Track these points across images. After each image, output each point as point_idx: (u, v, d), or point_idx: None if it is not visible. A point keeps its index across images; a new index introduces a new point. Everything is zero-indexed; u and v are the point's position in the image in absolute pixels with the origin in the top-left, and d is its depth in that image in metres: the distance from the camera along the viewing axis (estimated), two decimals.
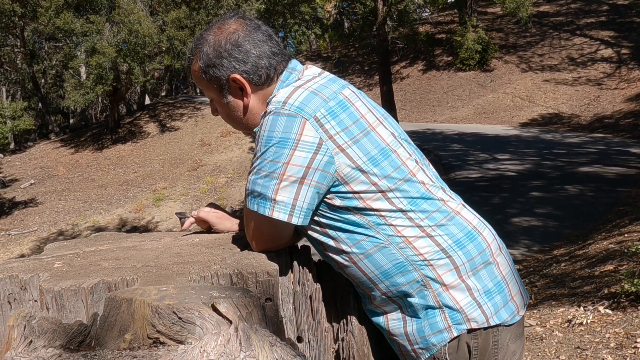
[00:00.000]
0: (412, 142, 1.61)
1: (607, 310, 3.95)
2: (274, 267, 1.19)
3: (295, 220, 1.40)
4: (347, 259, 1.48)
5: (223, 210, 1.73)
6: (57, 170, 22.09)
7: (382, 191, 1.43)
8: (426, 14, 30.54)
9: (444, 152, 14.93)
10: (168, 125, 24.21)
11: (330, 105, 1.43)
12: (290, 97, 1.42)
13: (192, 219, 1.71)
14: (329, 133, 1.40)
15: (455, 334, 1.46)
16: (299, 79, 1.54)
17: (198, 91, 40.09)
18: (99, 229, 17.42)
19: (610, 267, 5.14)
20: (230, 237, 1.56)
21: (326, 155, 1.39)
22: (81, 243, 1.57)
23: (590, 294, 4.55)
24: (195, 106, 25.79)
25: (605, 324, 3.80)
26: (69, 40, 22.33)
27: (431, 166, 1.61)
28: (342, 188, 1.42)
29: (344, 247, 1.47)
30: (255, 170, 1.42)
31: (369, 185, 1.42)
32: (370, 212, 1.43)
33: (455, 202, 1.55)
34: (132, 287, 1.06)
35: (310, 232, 1.51)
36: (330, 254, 1.51)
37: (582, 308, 4.13)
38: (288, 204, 1.38)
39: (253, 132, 1.58)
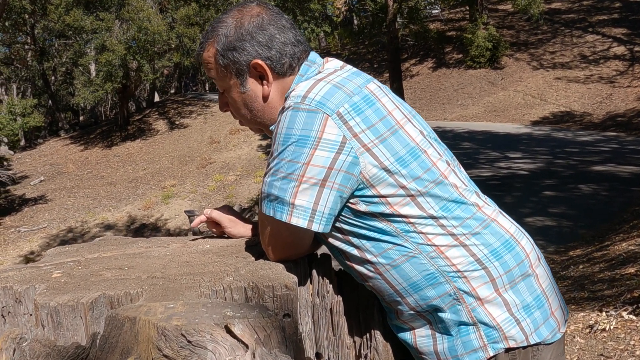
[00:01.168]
0: (442, 142, 1.48)
1: (631, 316, 3.81)
2: (292, 279, 1.07)
3: (315, 227, 1.28)
4: (371, 269, 1.36)
5: (237, 213, 1.62)
6: (66, 168, 22.11)
7: (411, 195, 1.31)
8: (436, 11, 30.33)
9: (455, 150, 14.71)
10: (177, 122, 24.17)
11: (355, 100, 1.31)
12: (310, 91, 1.30)
13: (202, 217, 1.59)
14: (354, 130, 1.28)
15: (492, 354, 1.33)
16: (319, 72, 1.42)
17: (207, 88, 40.15)
18: (108, 227, 17.41)
19: (632, 270, 4.99)
20: (244, 244, 1.45)
21: (350, 155, 1.27)
22: (83, 248, 1.47)
23: (612, 298, 4.41)
24: (204, 104, 25.73)
25: (629, 330, 3.67)
26: (79, 37, 22.34)
27: (462, 168, 1.49)
28: (367, 192, 1.30)
29: (369, 257, 1.35)
30: (271, 171, 1.30)
31: (396, 189, 1.30)
32: (398, 219, 1.31)
33: (490, 208, 1.42)
34: (137, 303, 0.95)
35: (330, 240, 1.39)
36: (353, 264, 1.39)
37: (604, 313, 4.00)
38: (308, 209, 1.27)
39: (268, 130, 1.46)
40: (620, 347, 3.52)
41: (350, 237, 1.36)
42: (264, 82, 1.42)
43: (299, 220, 1.27)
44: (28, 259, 15.89)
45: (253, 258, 1.31)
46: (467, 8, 27.03)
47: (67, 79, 32.35)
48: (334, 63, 1.46)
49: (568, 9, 26.99)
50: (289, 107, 1.29)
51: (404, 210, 1.31)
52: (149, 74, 22.01)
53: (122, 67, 20.95)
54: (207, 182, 18.69)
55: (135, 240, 1.53)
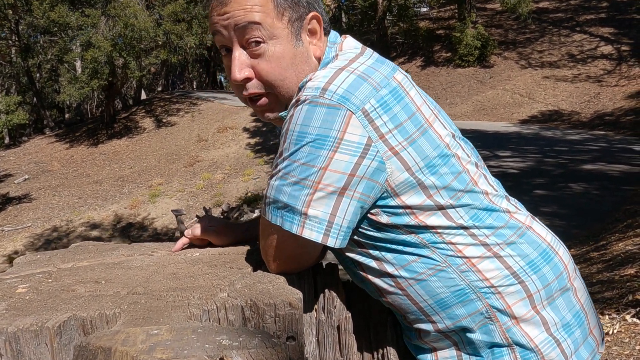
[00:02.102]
0: (468, 140, 1.31)
1: (635, 320, 3.70)
2: (296, 295, 0.91)
3: (331, 242, 1.10)
4: (392, 284, 1.19)
5: (220, 220, 1.44)
6: (51, 166, 21.84)
7: (439, 205, 1.15)
8: (425, 9, 30.27)
9: None
10: (164, 120, 23.94)
11: (382, 94, 1.12)
12: (332, 83, 1.10)
13: (185, 240, 1.40)
14: (380, 131, 1.10)
15: None
16: (336, 55, 1.23)
17: (195, 86, 39.85)
18: (94, 226, 17.18)
19: (632, 271, 4.90)
20: (238, 252, 1.29)
21: (375, 160, 1.09)
22: (57, 257, 1.29)
23: (613, 300, 4.30)
24: (191, 101, 25.53)
25: (633, 334, 3.56)
26: (64, 34, 22.06)
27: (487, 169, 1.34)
28: (390, 201, 1.14)
29: (389, 269, 1.18)
30: (280, 174, 1.11)
31: (424, 199, 1.14)
32: (424, 230, 1.16)
33: (523, 215, 1.27)
34: (114, 327, 0.79)
35: (343, 250, 1.22)
36: (369, 277, 1.22)
37: (606, 316, 3.88)
38: (324, 221, 1.08)
39: (280, 122, 1.25)
40: (626, 352, 3.41)
41: (367, 248, 1.20)
42: (315, 38, 1.24)
43: (312, 233, 1.09)
44: (12, 258, 15.62)
45: (250, 269, 1.14)
46: (456, 7, 27.00)
47: (53, 76, 31.99)
48: (351, 43, 1.27)
49: (556, 8, 27.06)
50: (304, 100, 1.09)
51: (430, 221, 1.15)
52: (135, 71, 21.74)
53: (108, 64, 20.74)
54: (195, 181, 18.50)
55: (115, 247, 1.36)
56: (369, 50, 1.25)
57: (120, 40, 20.73)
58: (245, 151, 19.53)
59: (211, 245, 1.39)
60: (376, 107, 1.10)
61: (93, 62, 20.17)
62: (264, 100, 1.23)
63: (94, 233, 17.03)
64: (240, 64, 1.20)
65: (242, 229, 1.43)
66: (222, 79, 42.94)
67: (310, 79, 1.14)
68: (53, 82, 32.72)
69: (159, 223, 16.85)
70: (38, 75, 30.93)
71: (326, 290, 1.17)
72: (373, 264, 1.19)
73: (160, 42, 21.39)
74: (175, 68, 36.64)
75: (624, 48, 22.10)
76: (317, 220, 1.08)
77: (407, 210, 1.14)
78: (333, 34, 1.28)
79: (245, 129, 20.78)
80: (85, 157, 22.22)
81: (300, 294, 0.92)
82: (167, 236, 15.30)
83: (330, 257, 1.23)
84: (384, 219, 1.15)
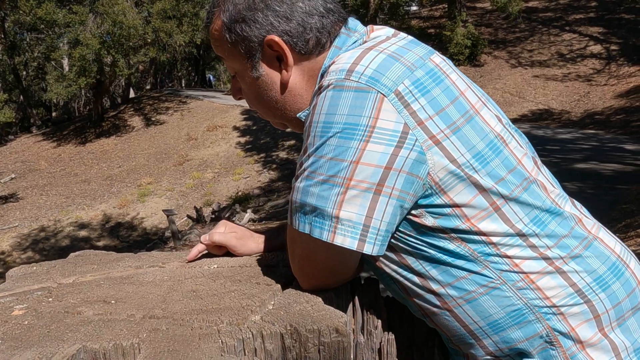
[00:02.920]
0: (521, 132, 1.15)
1: None
2: (342, 319, 0.77)
3: (368, 248, 0.95)
4: (437, 303, 1.05)
5: (239, 227, 1.30)
6: (38, 165, 21.58)
7: (493, 203, 0.99)
8: (415, 8, 30.24)
9: None
10: (153, 119, 23.73)
11: (418, 75, 0.98)
12: (358, 63, 0.97)
13: (201, 247, 1.25)
14: (418, 116, 0.95)
15: None
16: (365, 42, 1.08)
17: (183, 84, 39.56)
18: (82, 225, 16.96)
19: None
20: (261, 263, 1.15)
21: (414, 151, 0.94)
22: (56, 269, 1.14)
23: None
24: (181, 100, 25.34)
25: None
26: (51, 31, 21.79)
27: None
28: (436, 199, 0.98)
29: (434, 287, 1.03)
30: (306, 173, 0.97)
31: (475, 194, 0.98)
32: (476, 237, 0.99)
33: (590, 221, 1.10)
34: None
35: (381, 264, 1.07)
36: (411, 295, 1.08)
37: None
38: (358, 224, 0.94)
39: (295, 122, 1.15)
40: None
41: (408, 261, 1.04)
42: (283, 64, 1.10)
43: (345, 239, 0.94)
44: None
45: (279, 285, 1.00)
46: (446, 5, 26.98)
47: (39, 74, 31.61)
48: (383, 30, 1.12)
49: (545, 7, 27.15)
50: (328, 86, 0.96)
51: (484, 226, 0.99)
52: (124, 69, 21.54)
53: (96, 62, 20.52)
54: (185, 180, 18.32)
55: (120, 257, 1.21)
56: (403, 34, 1.11)
57: (109, 38, 20.52)
58: (235, 150, 19.37)
59: (229, 254, 1.24)
60: (411, 89, 0.96)
61: (81, 60, 19.94)
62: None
63: (82, 233, 16.81)
64: (233, 89, 1.22)
65: (266, 236, 1.29)
66: (211, 78, 42.69)
67: (333, 62, 1.02)
68: (40, 80, 32.33)
69: (149, 223, 16.66)
70: (25, 73, 30.56)
71: (365, 310, 1.02)
72: (415, 279, 1.05)
73: (149, 40, 21.19)
74: (164, 66, 36.38)
75: (613, 47, 22.20)
76: (350, 223, 0.94)
77: (456, 210, 0.99)
78: (352, 21, 1.15)
79: (236, 128, 20.62)
80: (73, 156, 21.97)
81: (345, 317, 0.79)
82: (156, 236, 15.11)
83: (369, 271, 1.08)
84: (429, 221, 0.99)
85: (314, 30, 1.09)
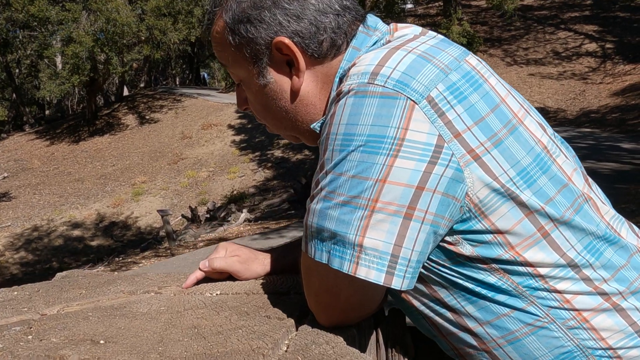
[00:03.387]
0: (566, 143, 1.02)
1: None
2: None
3: (397, 282, 0.81)
4: (474, 343, 0.91)
5: (242, 246, 1.19)
6: (31, 163, 21.42)
7: (542, 229, 0.85)
8: (410, 5, 30.18)
9: None
10: (147, 117, 23.59)
11: (453, 79, 0.85)
12: (384, 65, 0.84)
13: (199, 274, 1.13)
14: (454, 127, 0.82)
15: None
16: (389, 41, 0.95)
17: (178, 82, 39.36)
18: (76, 225, 16.84)
19: None
20: (269, 289, 1.05)
21: (450, 168, 0.81)
22: (39, 294, 1.04)
23: None
24: (175, 98, 25.21)
25: None
26: (44, 28, 21.60)
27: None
28: (475, 224, 0.85)
29: (470, 325, 0.90)
30: (323, 193, 0.84)
31: (520, 218, 0.84)
32: (520, 269, 0.86)
33: None
34: None
35: (408, 297, 0.94)
36: (444, 334, 0.95)
37: None
38: (385, 254, 0.80)
39: (307, 135, 1.03)
40: None
41: (441, 294, 0.90)
42: (294, 69, 0.97)
43: (370, 271, 0.80)
44: None
45: (293, 319, 0.88)
46: (442, 3, 26.93)
47: (32, 72, 31.40)
48: (409, 29, 0.99)
49: (540, 5, 27.16)
50: (349, 92, 0.83)
51: (530, 255, 0.85)
52: (117, 67, 21.40)
53: (89, 59, 20.36)
54: (179, 179, 18.21)
55: (112, 279, 1.12)
56: (432, 33, 0.98)
57: (102, 36, 20.35)
58: (230, 148, 19.26)
59: (231, 277, 1.14)
60: (446, 95, 0.83)
61: (74, 58, 19.76)
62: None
63: (76, 232, 16.69)
64: (239, 98, 1.09)
65: (272, 256, 1.17)
66: (206, 75, 42.51)
67: (354, 64, 0.89)
68: (33, 77, 32.11)
69: (143, 222, 16.55)
70: (17, 70, 30.33)
71: (390, 347, 0.91)
72: (448, 315, 0.91)
73: (143, 38, 21.04)
74: (158, 64, 36.19)
75: (608, 45, 22.21)
76: (376, 253, 0.80)
77: (499, 237, 0.85)
78: (372, 18, 1.02)
79: (230, 126, 20.51)
80: (66, 154, 21.81)
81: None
82: (151, 235, 15.00)
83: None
84: (466, 249, 0.86)
85: (328, 31, 0.96)
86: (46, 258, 15.56)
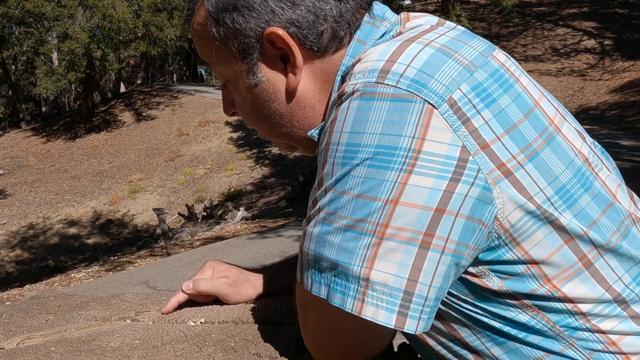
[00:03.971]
0: (605, 151, 0.87)
1: None
2: None
3: (411, 325, 0.67)
4: None
5: (230, 266, 1.05)
6: (27, 161, 21.30)
7: (584, 258, 0.72)
8: (408, 2, 30.11)
9: None
10: (144, 114, 23.47)
11: (479, 78, 0.71)
12: (396, 61, 0.70)
13: (181, 297, 1.00)
14: (482, 136, 0.68)
15: None
16: (400, 33, 0.80)
17: (175, 79, 39.22)
18: (72, 223, 16.74)
19: None
20: (259, 317, 0.92)
21: (476, 186, 0.67)
22: (1, 320, 0.93)
23: None
24: (172, 94, 25.10)
25: None
26: (40, 24, 21.48)
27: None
28: (505, 253, 0.70)
29: None
30: (322, 215, 0.70)
31: (559, 246, 0.71)
32: (558, 305, 0.72)
33: None
34: None
35: (422, 334, 0.81)
36: None
37: None
38: (397, 290, 0.66)
39: (305, 144, 0.89)
40: None
41: (461, 333, 0.77)
42: (290, 64, 0.82)
43: (378, 311, 0.66)
44: None
45: (287, 358, 0.76)
46: (440, 0, 26.86)
47: (29, 68, 31.26)
48: (424, 18, 0.84)
49: (539, 1, 27.12)
50: (353, 93, 0.70)
51: (570, 289, 0.71)
52: (114, 64, 21.26)
53: (85, 56, 20.27)
54: (176, 176, 18.10)
55: (85, 302, 0.99)
56: (450, 23, 0.84)
57: (98, 32, 20.25)
58: (227, 145, 19.15)
59: (217, 300, 1.01)
60: (471, 97, 0.69)
61: (70, 54, 19.66)
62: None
63: (72, 230, 16.58)
64: (225, 102, 0.93)
65: (264, 277, 1.05)
66: (203, 72, 42.35)
67: (359, 59, 0.74)
68: (29, 74, 31.97)
69: (140, 220, 16.45)
70: (13, 67, 30.17)
71: None
72: (470, 358, 0.78)
73: (139, 34, 20.91)
74: (155, 60, 36.01)
75: (607, 42, 22.16)
76: (385, 289, 0.66)
77: (533, 269, 0.71)
78: (378, 6, 0.86)
79: (228, 123, 20.39)
80: (62, 151, 21.69)
81: None
82: (147, 233, 14.90)
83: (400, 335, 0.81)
84: (494, 283, 0.72)
85: (329, 19, 0.80)
86: (42, 256, 15.45)
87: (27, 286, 8.44)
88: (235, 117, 0.94)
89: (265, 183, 16.20)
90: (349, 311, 0.67)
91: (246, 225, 10.95)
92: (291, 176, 14.87)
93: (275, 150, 18.07)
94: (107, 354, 0.77)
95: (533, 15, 25.83)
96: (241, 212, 11.87)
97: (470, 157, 0.67)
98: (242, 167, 17.55)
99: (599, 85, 19.26)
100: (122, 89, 29.27)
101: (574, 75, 20.50)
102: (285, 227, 9.38)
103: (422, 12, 0.86)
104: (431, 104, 0.67)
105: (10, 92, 29.79)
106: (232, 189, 16.12)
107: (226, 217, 11.73)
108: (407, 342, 0.89)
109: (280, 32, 0.79)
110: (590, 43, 22.23)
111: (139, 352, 0.78)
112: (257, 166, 17.37)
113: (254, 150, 18.37)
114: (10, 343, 0.83)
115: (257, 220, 11.58)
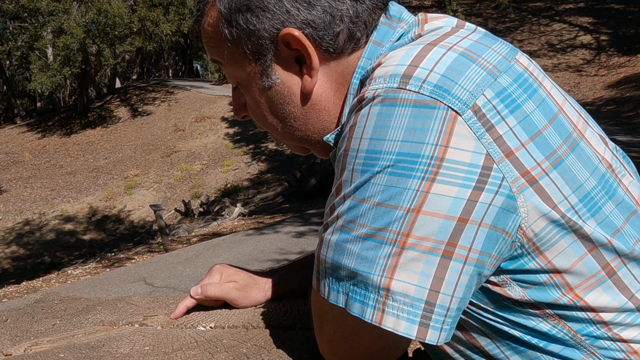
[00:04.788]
0: (625, 154, 0.85)
1: None
2: None
3: (433, 336, 0.65)
4: None
5: (239, 269, 1.03)
6: (23, 156, 21.21)
7: (607, 266, 0.71)
8: None
9: None
10: (140, 109, 23.39)
11: (504, 83, 0.69)
12: (418, 66, 0.68)
13: (190, 302, 0.98)
14: (506, 143, 0.66)
15: None
16: (419, 36, 0.78)
17: (170, 74, 39.08)
18: (68, 219, 16.68)
19: None
20: (270, 321, 0.91)
21: (501, 195, 0.65)
22: (7, 325, 0.90)
23: None
24: (168, 90, 25.02)
25: None
26: (35, 19, 21.34)
27: None
28: (527, 263, 0.69)
29: None
30: (341, 222, 0.68)
31: (582, 254, 0.70)
32: (579, 315, 0.71)
33: None
34: None
35: (442, 345, 0.79)
36: None
37: None
38: (418, 301, 0.64)
39: (319, 148, 0.87)
40: None
41: (481, 342, 0.75)
42: (306, 66, 0.80)
43: (399, 322, 0.64)
44: None
45: None
46: None
47: (23, 64, 31.08)
48: (442, 20, 0.81)
49: None
50: (374, 99, 0.68)
51: (592, 298, 0.70)
52: (109, 59, 21.18)
53: (81, 51, 20.17)
54: (172, 172, 18.06)
55: (92, 306, 0.98)
56: (470, 24, 0.81)
57: (93, 27, 20.14)
58: (223, 141, 19.11)
59: (226, 304, 0.99)
60: (495, 104, 0.67)
61: (65, 49, 19.56)
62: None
63: (68, 226, 16.53)
64: (235, 104, 0.91)
65: (273, 280, 1.03)
66: (199, 67, 42.25)
67: (379, 63, 0.72)
68: (24, 69, 31.79)
69: (136, 216, 16.41)
70: (8, 62, 29.99)
71: None
72: None
73: (134, 29, 20.82)
74: (151, 56, 35.91)
75: (603, 38, 22.19)
76: (407, 300, 0.64)
77: (555, 278, 0.69)
78: (395, 7, 0.83)
79: (224, 119, 20.34)
80: (58, 147, 21.61)
81: None
82: (144, 229, 14.85)
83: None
84: (515, 292, 0.71)
85: (345, 20, 0.78)
86: (38, 252, 15.41)
87: (23, 283, 8.40)
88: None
89: (262, 179, 16.18)
90: (369, 321, 0.66)
91: (243, 222, 10.92)
92: (288, 172, 14.85)
93: (271, 146, 18.03)
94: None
95: (529, 10, 25.84)
96: (238, 208, 11.84)
97: (495, 165, 0.65)
98: (238, 162, 17.52)
99: (595, 81, 19.28)
100: (118, 84, 29.16)
101: (570, 70, 20.52)
102: (283, 223, 9.36)
103: (438, 14, 0.84)
104: (455, 111, 0.65)
105: (4, 87, 29.63)
106: (229, 185, 16.09)
107: (223, 213, 11.70)
108: (422, 349, 0.87)
109: (296, 33, 0.77)
110: (587, 38, 22.24)
111: (149, 358, 0.76)
112: (253, 162, 17.34)
113: (251, 146, 18.34)
114: (17, 349, 0.82)
115: (254, 216, 11.55)
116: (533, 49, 22.62)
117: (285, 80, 0.81)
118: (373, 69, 0.72)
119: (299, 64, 0.81)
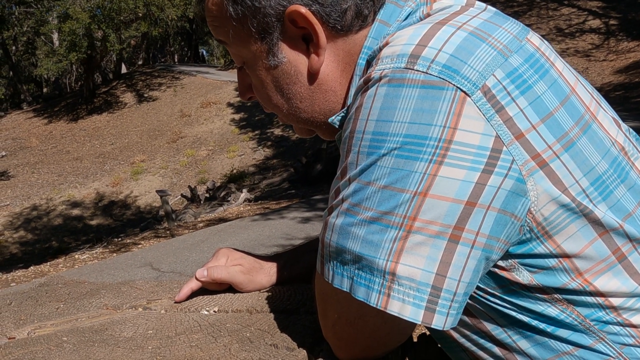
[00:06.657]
0: (638, 136, 0.83)
1: None
2: None
3: (439, 321, 0.64)
4: None
5: (244, 253, 1.02)
6: (29, 142, 21.27)
7: (618, 251, 0.69)
8: None
9: None
10: (146, 95, 23.38)
11: (515, 64, 0.67)
12: (426, 45, 0.66)
13: (194, 284, 0.97)
14: (516, 125, 0.64)
15: None
16: (428, 14, 0.74)
17: (176, 60, 38.98)
18: (75, 204, 16.76)
19: None
20: (274, 306, 0.90)
21: (510, 178, 0.64)
22: (10, 308, 0.90)
23: None
24: (174, 75, 24.97)
25: None
26: (40, 5, 21.30)
27: None
28: (536, 247, 0.68)
29: None
30: (346, 206, 0.67)
31: (592, 239, 0.68)
32: (589, 299, 0.69)
33: None
34: None
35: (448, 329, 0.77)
36: None
37: None
38: (425, 285, 0.63)
39: (325, 129, 0.85)
40: None
41: (488, 327, 0.74)
42: (312, 45, 0.78)
43: (404, 306, 0.63)
44: None
45: (304, 351, 0.73)
46: None
47: (29, 49, 31.08)
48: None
49: None
50: (381, 79, 0.65)
51: (602, 283, 0.69)
52: (115, 44, 21.12)
53: (86, 36, 20.12)
54: (178, 158, 18.08)
55: (95, 290, 0.98)
56: (480, 3, 0.78)
57: (99, 12, 20.09)
58: (229, 127, 19.09)
59: (231, 288, 0.99)
60: (506, 84, 0.65)
61: (71, 35, 19.54)
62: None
63: (75, 212, 16.61)
64: (241, 85, 0.89)
65: (278, 265, 1.02)
66: (204, 53, 42.12)
67: (386, 43, 0.70)
68: (30, 55, 31.81)
69: (142, 201, 16.47)
70: (14, 48, 30.00)
71: None
72: (496, 351, 0.75)
73: (140, 14, 20.75)
74: (156, 41, 35.81)
75: (612, 22, 21.95)
76: (412, 284, 0.63)
77: (565, 262, 0.68)
78: None
79: (230, 104, 20.31)
80: (64, 133, 21.66)
81: None
82: (150, 215, 14.91)
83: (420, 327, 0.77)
84: (523, 277, 0.69)
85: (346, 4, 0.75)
86: (45, 237, 15.50)
87: (31, 267, 8.46)
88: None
89: (268, 164, 16.17)
90: (374, 306, 0.65)
91: (249, 207, 10.94)
92: (293, 157, 14.84)
93: (277, 131, 18.01)
94: (120, 344, 0.75)
95: None
96: (244, 194, 11.85)
97: (504, 148, 0.63)
98: (244, 148, 17.52)
99: (604, 66, 19.12)
100: (124, 69, 29.13)
101: (579, 55, 20.34)
102: (289, 208, 9.37)
103: None
104: (464, 92, 0.63)
105: (11, 73, 29.67)
106: (235, 171, 16.10)
107: (229, 198, 11.71)
108: (427, 333, 0.87)
109: (303, 10, 0.75)
110: (595, 23, 22.02)
111: (153, 342, 0.75)
112: (259, 147, 17.33)
113: (256, 132, 18.32)
114: (20, 332, 0.81)
115: (260, 202, 11.57)
116: (541, 34, 22.44)
117: (292, 59, 0.79)
118: (380, 49, 0.70)
119: (306, 42, 0.78)
